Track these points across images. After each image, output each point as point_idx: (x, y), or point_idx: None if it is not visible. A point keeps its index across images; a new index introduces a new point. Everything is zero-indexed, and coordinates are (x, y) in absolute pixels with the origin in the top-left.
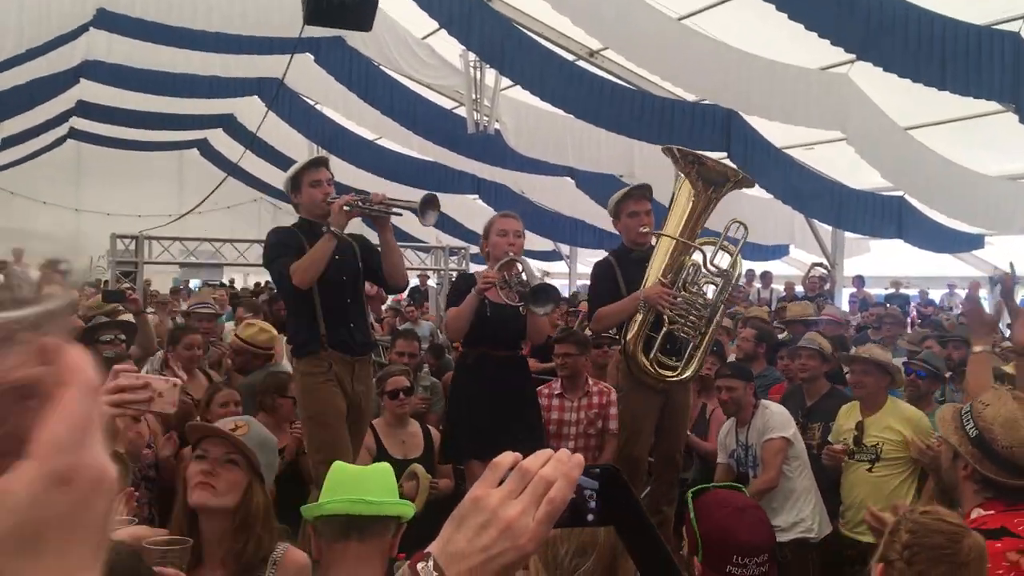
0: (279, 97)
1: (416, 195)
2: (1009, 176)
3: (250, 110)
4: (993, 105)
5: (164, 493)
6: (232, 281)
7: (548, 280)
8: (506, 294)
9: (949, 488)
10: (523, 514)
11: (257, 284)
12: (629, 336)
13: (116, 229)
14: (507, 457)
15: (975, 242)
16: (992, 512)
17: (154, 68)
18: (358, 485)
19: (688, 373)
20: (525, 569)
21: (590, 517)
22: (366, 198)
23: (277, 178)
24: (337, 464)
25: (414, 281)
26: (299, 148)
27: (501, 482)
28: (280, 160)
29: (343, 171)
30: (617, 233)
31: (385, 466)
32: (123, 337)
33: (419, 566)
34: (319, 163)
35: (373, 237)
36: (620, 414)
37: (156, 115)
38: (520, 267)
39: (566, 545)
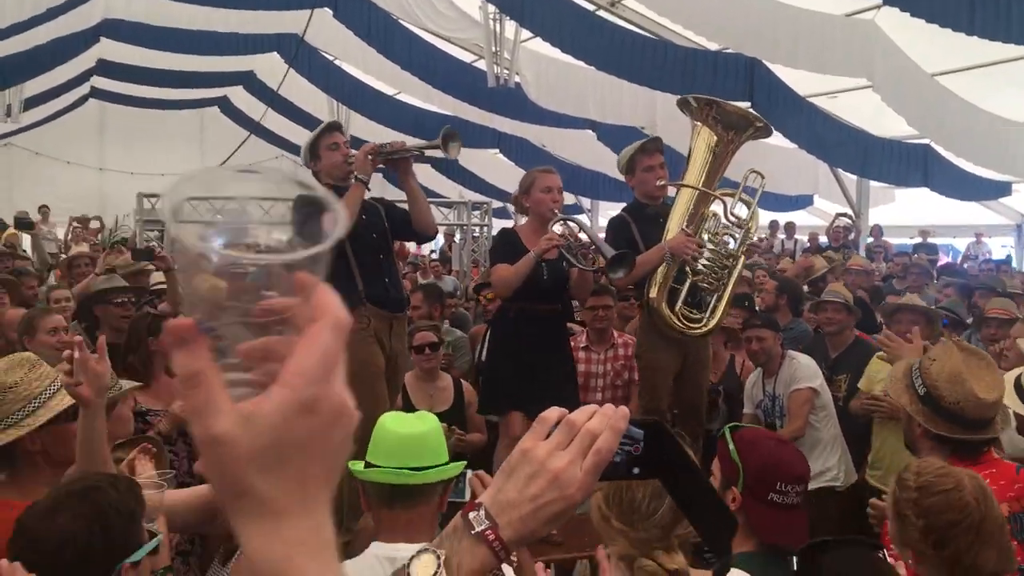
0: (299, 54)
1: (401, 144)
2: None
3: (270, 67)
4: (1021, 49)
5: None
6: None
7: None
8: (577, 258)
9: (909, 445)
10: (571, 464)
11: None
12: (653, 290)
13: (139, 188)
14: (554, 412)
15: (1002, 189)
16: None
17: (173, 26)
18: (404, 450)
19: (712, 324)
20: (605, 524)
21: (636, 470)
22: (385, 145)
23: (297, 135)
24: (384, 424)
25: (440, 240)
26: (319, 105)
27: (549, 435)
28: (301, 117)
29: (363, 127)
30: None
31: (432, 424)
32: (134, 300)
33: (471, 515)
34: (333, 127)
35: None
36: (640, 370)
37: (176, 73)
38: (575, 226)
39: (642, 489)
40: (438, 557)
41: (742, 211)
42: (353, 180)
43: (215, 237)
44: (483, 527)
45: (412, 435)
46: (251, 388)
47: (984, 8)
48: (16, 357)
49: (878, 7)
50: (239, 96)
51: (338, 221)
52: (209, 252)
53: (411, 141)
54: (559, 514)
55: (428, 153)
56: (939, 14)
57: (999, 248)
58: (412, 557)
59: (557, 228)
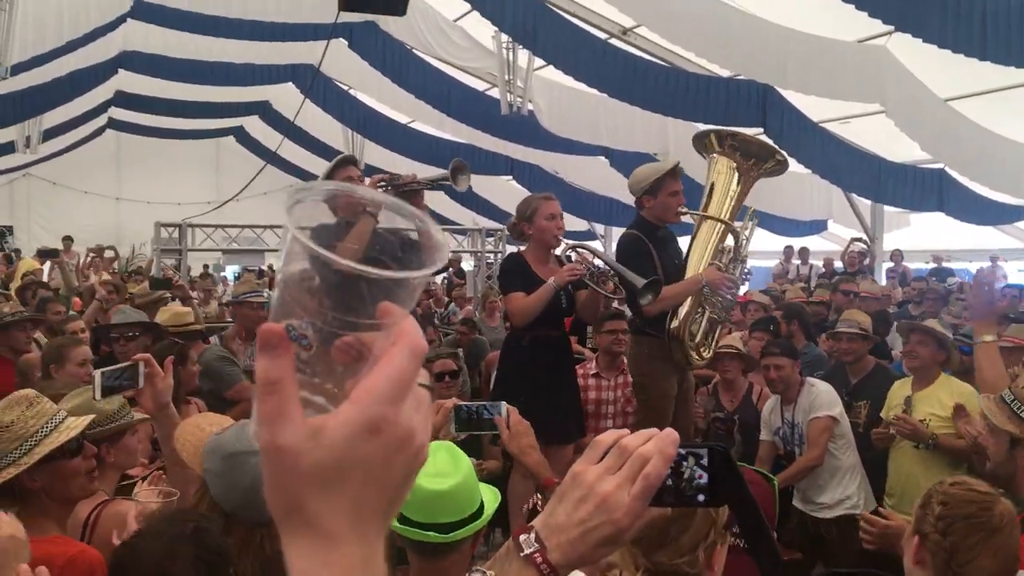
0: (315, 84)
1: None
2: None
3: (285, 96)
4: None
5: None
6: (271, 266)
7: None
8: (603, 286)
9: (1003, 479)
10: (619, 489)
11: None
12: (675, 321)
13: (156, 217)
14: (609, 435)
15: (1018, 213)
16: None
17: (190, 57)
18: (436, 507)
19: (710, 355)
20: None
21: (701, 497)
22: (396, 176)
23: (313, 164)
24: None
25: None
26: (334, 134)
27: (602, 459)
28: (315, 146)
29: (377, 155)
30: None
31: (464, 473)
32: (138, 334)
33: (521, 538)
34: (348, 161)
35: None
36: (649, 399)
37: (193, 103)
38: (587, 253)
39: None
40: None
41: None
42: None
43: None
44: (532, 550)
45: (444, 492)
46: (324, 410)
47: (996, 34)
48: (16, 395)
49: (890, 33)
50: (255, 125)
51: (441, 253)
52: (331, 259)
53: (421, 174)
54: (607, 538)
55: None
56: (951, 40)
57: (1015, 272)
58: None
59: (572, 255)
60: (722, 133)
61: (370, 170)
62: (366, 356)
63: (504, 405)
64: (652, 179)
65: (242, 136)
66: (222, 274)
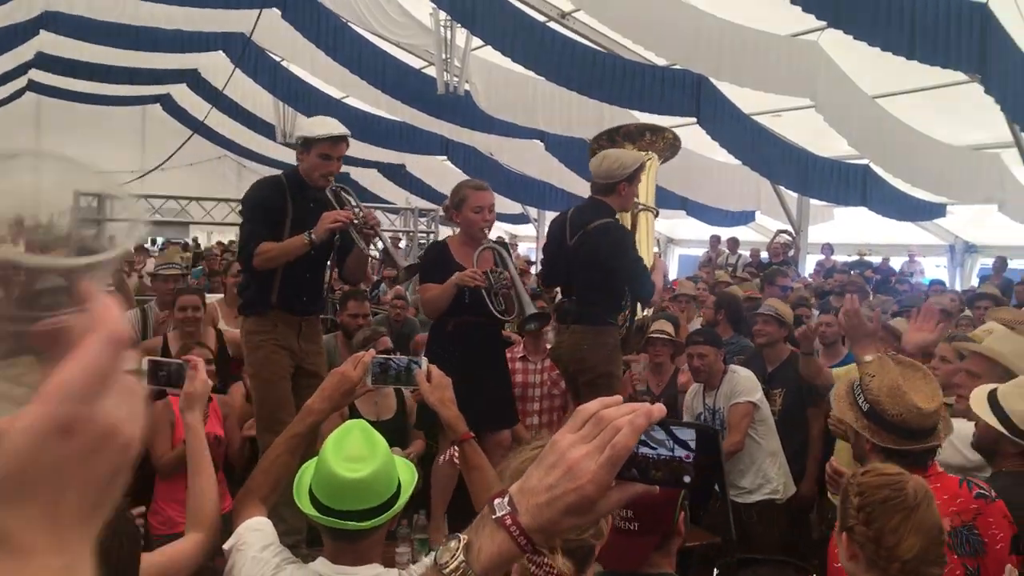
0: (246, 53)
1: (385, 156)
2: (972, 146)
3: (214, 65)
4: (959, 75)
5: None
6: (195, 239)
7: (516, 242)
8: (495, 302)
9: (860, 460)
10: (586, 457)
11: (220, 243)
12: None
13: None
14: (593, 404)
15: (937, 211)
16: None
17: (116, 20)
18: (351, 495)
19: None
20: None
21: (687, 478)
22: (360, 217)
23: (242, 135)
24: (328, 462)
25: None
26: (265, 105)
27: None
28: (245, 117)
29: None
30: (581, 195)
31: (380, 460)
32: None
33: (495, 502)
34: (342, 139)
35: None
36: (608, 386)
37: (118, 69)
38: (498, 256)
39: None
40: (459, 541)
41: None
42: (307, 236)
43: None
44: (503, 512)
45: (359, 480)
46: (12, 404)
47: (924, 35)
48: None
49: (823, 29)
50: (183, 94)
51: (133, 232)
52: None
53: (360, 153)
54: (573, 506)
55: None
56: (881, 38)
57: (933, 268)
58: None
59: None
60: (612, 131)
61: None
62: (67, 341)
63: (424, 359)
64: (635, 167)
65: (169, 104)
66: (145, 246)
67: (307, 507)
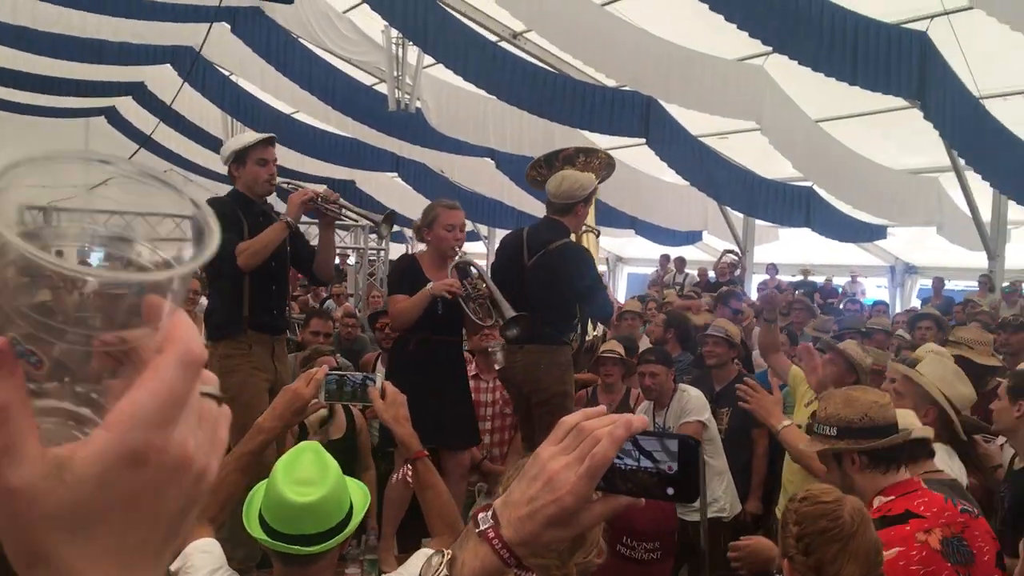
0: (195, 68)
1: (334, 172)
2: (912, 170)
3: (162, 78)
4: (899, 101)
5: None
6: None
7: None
8: (473, 310)
9: (852, 491)
10: (566, 468)
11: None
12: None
13: (19, 199)
14: (574, 416)
15: (878, 232)
16: (892, 498)
17: (61, 32)
18: (301, 519)
19: None
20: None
21: (670, 491)
22: (324, 196)
23: (190, 150)
24: (278, 486)
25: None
26: (213, 120)
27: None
28: (192, 131)
29: None
30: (532, 214)
31: (331, 483)
32: None
33: (479, 516)
34: (272, 142)
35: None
36: (562, 406)
37: (62, 80)
38: (474, 270)
39: None
40: (443, 556)
41: None
42: (281, 219)
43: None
44: (486, 526)
45: (310, 504)
46: (76, 426)
47: (865, 61)
48: None
49: (768, 54)
50: (128, 107)
51: (212, 243)
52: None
53: (309, 168)
54: (553, 518)
55: (363, 221)
56: (824, 64)
57: (874, 288)
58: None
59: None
60: (550, 156)
61: None
62: (134, 359)
63: (380, 375)
64: (592, 187)
65: (114, 117)
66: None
67: (257, 532)
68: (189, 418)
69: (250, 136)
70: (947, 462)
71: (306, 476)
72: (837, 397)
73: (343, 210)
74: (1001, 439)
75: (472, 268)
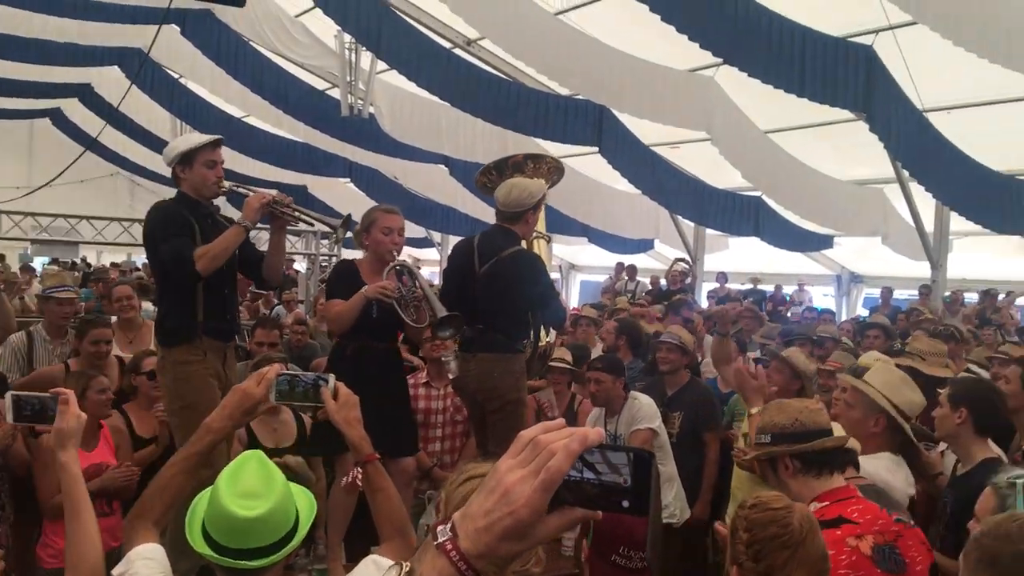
0: (143, 70)
1: (285, 177)
2: (857, 181)
3: (109, 80)
4: (846, 113)
5: (16, 483)
6: (84, 259)
7: (420, 266)
8: (407, 312)
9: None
10: (521, 481)
11: (113, 264)
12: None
13: None
14: (532, 430)
15: (825, 242)
16: (827, 503)
17: (5, 32)
18: (246, 534)
19: None
20: None
21: (625, 503)
22: (279, 199)
23: (137, 153)
24: (222, 500)
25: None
26: (161, 123)
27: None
28: (140, 134)
29: None
30: (485, 221)
31: (277, 496)
32: None
33: (438, 528)
34: (220, 143)
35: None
36: (514, 413)
37: (5, 81)
38: (407, 271)
39: None
40: (401, 568)
41: None
42: (239, 223)
43: None
44: (444, 538)
45: (256, 519)
46: None
47: (813, 74)
48: None
49: (718, 65)
50: (74, 109)
51: None
52: None
53: (259, 173)
54: (509, 530)
55: (317, 226)
56: (773, 76)
57: (821, 297)
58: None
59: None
60: (500, 163)
61: None
62: None
63: (332, 377)
64: (541, 195)
65: (59, 119)
66: (31, 264)
67: (201, 546)
68: None
69: (198, 138)
70: (893, 471)
71: (251, 488)
72: (772, 407)
73: (298, 214)
74: (942, 446)
75: (408, 271)
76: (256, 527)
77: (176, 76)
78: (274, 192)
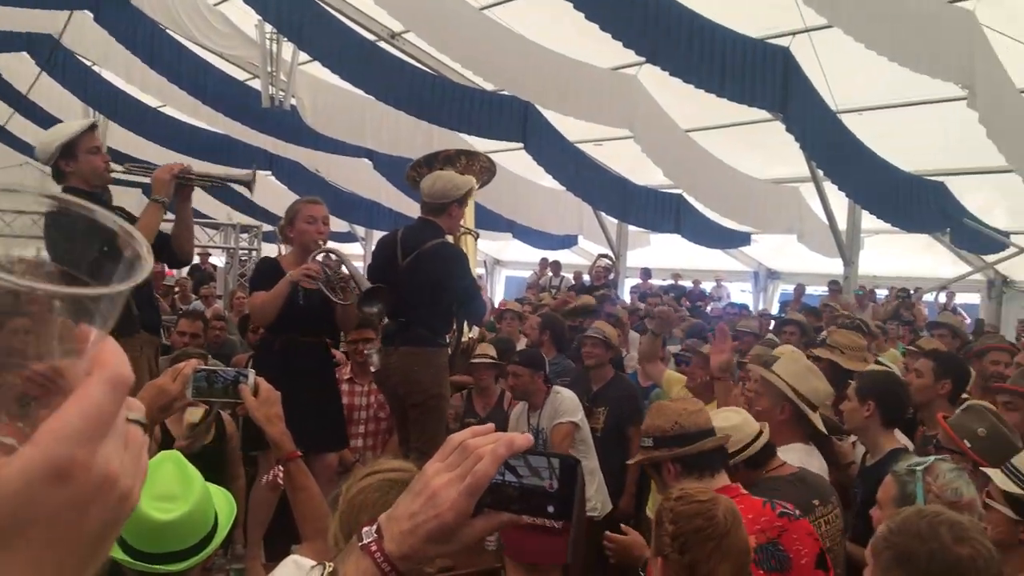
0: (53, 56)
1: (205, 169)
2: (774, 180)
3: (17, 67)
4: (764, 113)
5: None
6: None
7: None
8: (331, 291)
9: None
10: (448, 485)
11: (21, 259)
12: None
13: None
14: (461, 434)
15: (743, 239)
16: None
17: None
18: (164, 537)
19: None
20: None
21: (550, 508)
22: (187, 168)
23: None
24: (138, 505)
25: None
26: (73, 111)
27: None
28: (50, 123)
29: (123, 139)
30: (410, 215)
31: (195, 497)
32: None
33: (364, 529)
34: (94, 128)
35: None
36: (437, 408)
37: None
38: (335, 257)
39: (371, 512)
40: (324, 568)
41: None
42: (152, 199)
43: None
44: (369, 539)
45: (173, 522)
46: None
47: (732, 75)
48: None
49: (641, 64)
50: None
51: (142, 262)
52: None
53: (209, 168)
54: (433, 533)
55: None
56: (693, 75)
57: (739, 293)
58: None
59: (320, 259)
60: (430, 157)
61: (114, 155)
62: (62, 387)
63: (252, 372)
64: (467, 188)
65: None
66: None
67: (113, 550)
68: (115, 439)
69: (73, 126)
70: (805, 460)
71: (168, 491)
72: (653, 409)
73: (202, 178)
74: (854, 436)
75: (334, 253)
76: (173, 530)
77: (89, 64)
78: (181, 163)
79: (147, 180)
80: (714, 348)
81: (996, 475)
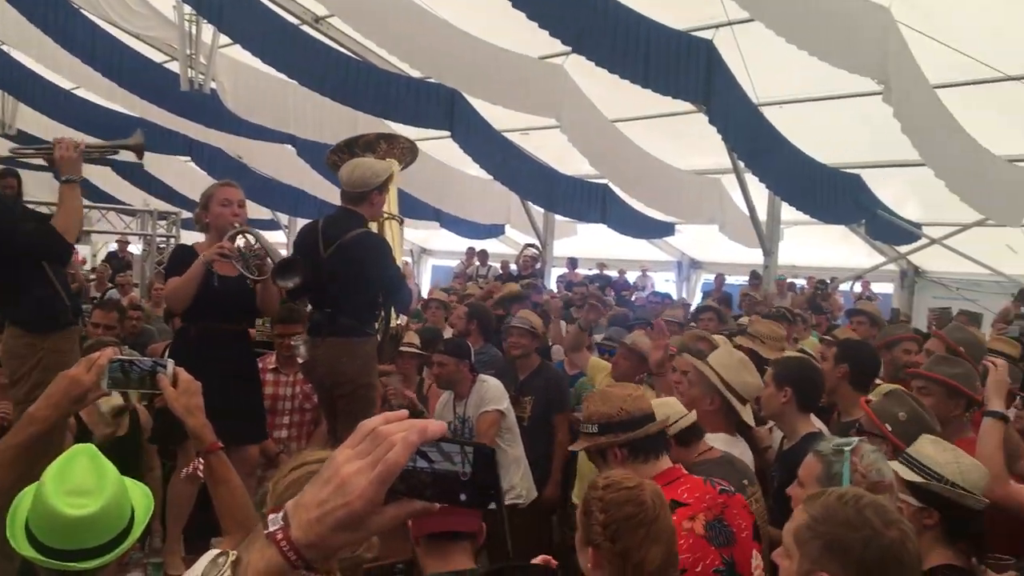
0: None
1: (121, 153)
2: (697, 171)
3: None
4: (687, 105)
5: None
6: None
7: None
8: (243, 266)
9: None
10: (358, 473)
11: None
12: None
13: None
14: (373, 420)
15: (667, 229)
16: (658, 487)
17: None
18: (76, 534)
19: None
20: None
21: (463, 497)
22: (77, 143)
23: None
24: (48, 498)
25: (112, 247)
26: None
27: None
28: None
29: (35, 122)
30: (334, 202)
31: (110, 492)
32: None
33: (270, 517)
34: None
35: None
36: (366, 396)
37: None
38: (252, 238)
39: None
40: (228, 557)
41: None
42: (65, 181)
43: None
44: (275, 527)
45: (86, 517)
46: None
47: (656, 66)
48: None
49: (568, 53)
50: None
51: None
52: None
53: (91, 140)
54: (342, 522)
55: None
56: (619, 66)
57: (663, 282)
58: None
59: (240, 241)
60: (350, 142)
61: (25, 138)
62: None
63: (171, 362)
64: (386, 175)
65: None
66: None
67: (25, 548)
68: None
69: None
70: (730, 449)
71: (81, 485)
72: (596, 395)
73: (97, 149)
74: (771, 423)
75: (249, 231)
76: (87, 526)
77: None
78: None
79: (42, 162)
80: (653, 345)
81: (897, 466)
